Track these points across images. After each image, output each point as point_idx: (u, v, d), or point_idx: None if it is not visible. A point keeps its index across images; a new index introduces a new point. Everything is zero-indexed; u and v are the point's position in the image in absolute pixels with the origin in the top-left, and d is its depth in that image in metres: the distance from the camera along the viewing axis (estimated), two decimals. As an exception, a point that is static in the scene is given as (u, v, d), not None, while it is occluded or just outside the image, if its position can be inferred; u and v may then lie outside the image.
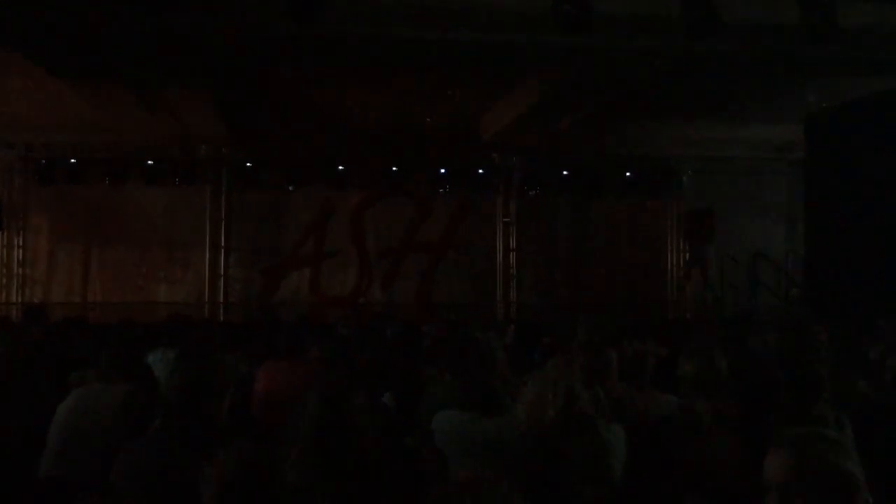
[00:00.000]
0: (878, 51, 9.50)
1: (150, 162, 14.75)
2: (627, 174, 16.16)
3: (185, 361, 4.32)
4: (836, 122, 11.77)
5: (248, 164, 15.16)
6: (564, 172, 15.97)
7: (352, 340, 5.54)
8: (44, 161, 14.77)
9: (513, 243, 16.24)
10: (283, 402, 4.27)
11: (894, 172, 10.40)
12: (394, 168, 15.47)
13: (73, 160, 14.68)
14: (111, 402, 3.52)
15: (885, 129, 10.57)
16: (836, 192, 11.65)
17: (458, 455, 3.03)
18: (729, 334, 7.24)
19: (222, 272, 15.43)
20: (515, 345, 7.60)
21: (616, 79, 11.07)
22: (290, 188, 15.38)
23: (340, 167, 15.22)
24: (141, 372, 4.51)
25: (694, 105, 13.07)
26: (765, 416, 3.07)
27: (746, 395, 3.16)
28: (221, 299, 15.33)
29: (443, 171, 15.65)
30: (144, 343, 5.79)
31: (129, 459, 3.05)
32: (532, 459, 2.76)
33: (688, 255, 16.64)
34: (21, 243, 15.14)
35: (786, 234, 16.45)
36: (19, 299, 14.85)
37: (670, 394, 4.32)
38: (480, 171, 15.83)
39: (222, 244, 15.46)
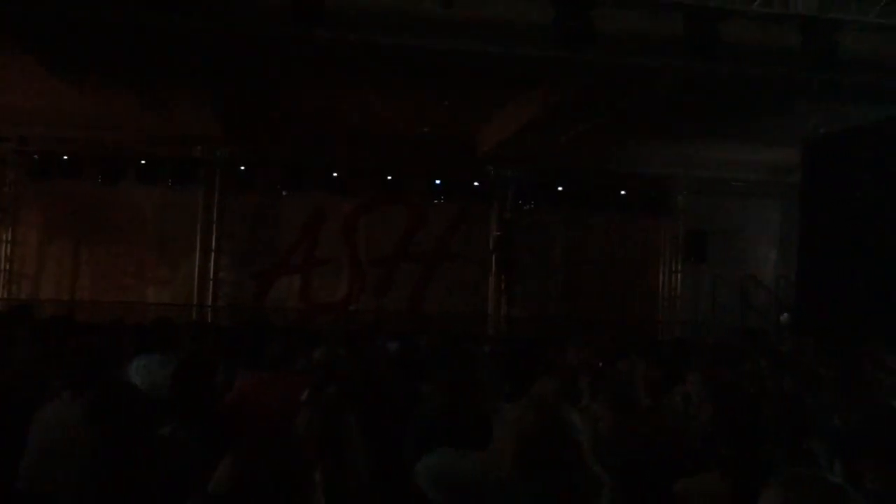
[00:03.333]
0: (878, 79, 9.52)
1: (143, 161, 14.66)
2: (623, 192, 16.15)
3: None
4: (833, 148, 11.78)
5: (242, 167, 15.09)
6: (560, 188, 15.95)
7: (344, 354, 5.46)
8: (37, 156, 14.67)
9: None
10: (267, 414, 4.21)
11: (889, 199, 10.41)
12: (389, 177, 15.43)
13: (66, 156, 14.58)
14: (78, 414, 3.42)
15: (883, 156, 10.58)
16: (831, 217, 11.64)
17: (443, 497, 2.93)
18: (720, 359, 7.21)
19: (212, 275, 15.34)
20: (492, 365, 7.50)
21: (615, 96, 11.06)
22: (284, 193, 15.32)
23: (335, 173, 15.16)
24: (109, 382, 4.36)
25: (692, 125, 13.07)
26: (757, 452, 3.01)
27: (738, 430, 3.10)
28: (210, 302, 15.24)
29: (438, 181, 15.61)
30: (114, 351, 5.68)
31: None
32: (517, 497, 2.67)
33: (680, 275, 16.67)
34: (10, 238, 15.04)
35: (778, 257, 16.48)
36: (6, 295, 14.73)
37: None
38: (476, 183, 15.79)
39: (213, 247, 15.37)
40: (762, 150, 14.64)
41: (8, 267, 14.99)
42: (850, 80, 9.40)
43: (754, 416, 3.24)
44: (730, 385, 4.89)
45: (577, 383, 4.67)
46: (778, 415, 3.73)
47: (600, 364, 6.23)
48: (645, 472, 3.38)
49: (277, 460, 2.01)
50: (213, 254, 15.38)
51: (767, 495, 2.16)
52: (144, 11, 7.35)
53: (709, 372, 5.22)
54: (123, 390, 3.39)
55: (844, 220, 11.25)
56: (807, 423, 3.86)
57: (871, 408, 3.68)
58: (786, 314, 14.68)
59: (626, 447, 3.86)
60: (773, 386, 5.26)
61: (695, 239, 15.93)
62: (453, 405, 3.52)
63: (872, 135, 10.99)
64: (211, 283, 15.34)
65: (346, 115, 13.42)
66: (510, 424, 2.79)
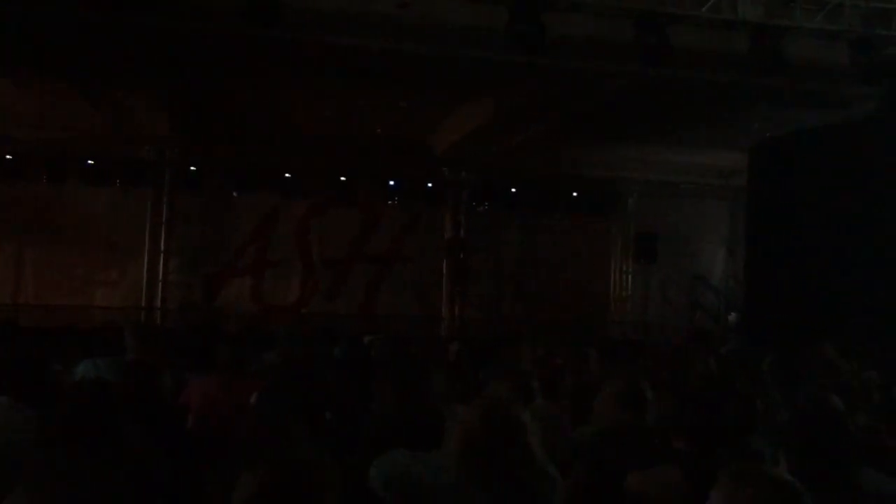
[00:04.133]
0: (821, 85, 9.77)
1: (90, 161, 14.35)
2: (574, 194, 16.31)
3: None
4: (779, 152, 12.02)
5: (193, 168, 14.87)
6: (513, 190, 16.05)
7: (296, 357, 5.42)
8: (-22, 156, 14.27)
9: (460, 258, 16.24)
10: (219, 418, 4.16)
11: (833, 202, 10.66)
12: (342, 178, 15.35)
13: (9, 156, 14.20)
14: (23, 424, 3.32)
15: (826, 160, 10.82)
16: (777, 219, 11.89)
17: (396, 499, 2.92)
18: (668, 359, 7.33)
19: (161, 277, 15.09)
20: (459, 363, 7.55)
21: (567, 99, 11.17)
22: (235, 194, 15.14)
23: (287, 174, 15.04)
24: (49, 391, 4.23)
25: (643, 129, 13.26)
26: (711, 449, 3.07)
27: (694, 426, 3.16)
28: (159, 304, 14.99)
29: (392, 182, 15.58)
30: (59, 355, 5.56)
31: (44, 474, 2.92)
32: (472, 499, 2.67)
33: (631, 275, 16.89)
34: (-50, 240, 14.59)
35: (726, 258, 16.79)
36: (-54, 298, 14.29)
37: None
38: (430, 184, 15.80)
39: (162, 248, 15.12)
40: (710, 154, 14.92)
41: (-52, 270, 14.54)
42: (795, 85, 9.63)
43: (715, 413, 3.30)
44: (689, 383, 4.96)
45: (531, 383, 4.69)
46: (728, 414, 3.79)
47: (553, 363, 6.27)
48: (590, 463, 3.42)
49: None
50: (162, 255, 15.11)
51: (715, 491, 2.20)
52: (91, 8, 7.20)
53: (657, 371, 5.29)
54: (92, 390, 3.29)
55: (790, 221, 11.48)
56: (755, 421, 3.94)
57: (808, 403, 3.78)
58: (733, 314, 14.97)
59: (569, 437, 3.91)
60: (723, 385, 5.35)
61: (645, 240, 16.15)
62: (405, 406, 3.51)
63: (816, 139, 11.25)
64: (160, 285, 15.08)
65: (298, 115, 13.32)
66: (458, 426, 2.80)
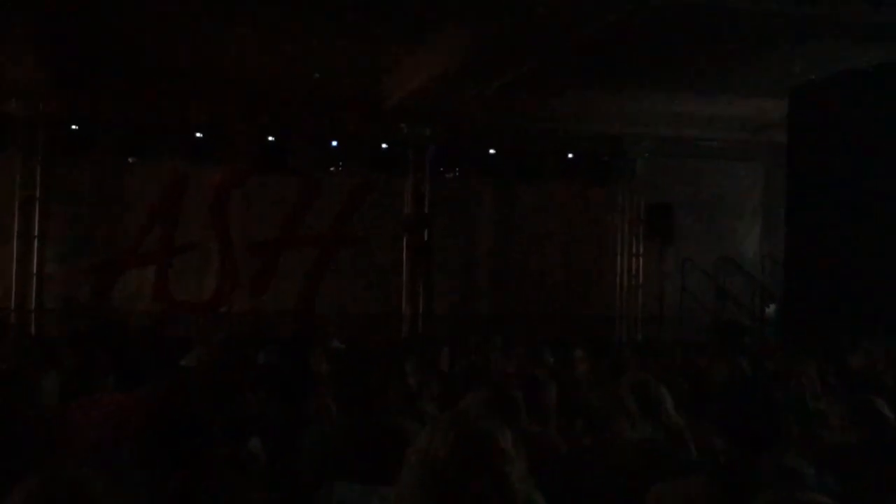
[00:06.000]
0: (876, 12, 9.88)
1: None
2: (569, 155, 16.39)
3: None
4: (826, 98, 12.12)
5: (75, 127, 14.73)
6: (490, 151, 16.09)
7: (208, 368, 5.43)
8: None
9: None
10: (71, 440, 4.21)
11: (894, 161, 10.78)
12: (270, 138, 15.29)
13: None
14: None
15: (884, 107, 10.92)
16: (824, 184, 12.00)
17: None
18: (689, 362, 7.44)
19: (35, 269, 14.96)
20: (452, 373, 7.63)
21: (558, 33, 11.19)
22: (131, 160, 15.04)
23: (198, 134, 14.96)
24: None
25: (654, 72, 13.31)
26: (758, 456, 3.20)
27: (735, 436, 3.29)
28: (34, 305, 14.86)
29: (335, 143, 15.55)
30: None
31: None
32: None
33: (641, 257, 17.03)
34: None
35: (761, 234, 16.99)
36: None
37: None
38: (384, 145, 15.80)
39: (36, 232, 14.98)
40: (740, 103, 15.03)
41: None
42: (844, 14, 9.74)
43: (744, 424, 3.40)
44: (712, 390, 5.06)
45: (513, 395, 4.75)
46: (758, 426, 3.90)
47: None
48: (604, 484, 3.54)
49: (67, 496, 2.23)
50: (36, 241, 14.99)
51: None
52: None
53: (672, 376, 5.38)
54: None
55: (840, 186, 11.59)
56: (789, 436, 4.05)
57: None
58: (772, 305, 15.17)
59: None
60: (756, 392, 5.45)
61: (658, 213, 16.27)
62: (356, 426, 3.55)
63: (871, 81, 11.34)
64: (35, 279, 14.96)
65: (213, 59, 13.20)
66: (420, 451, 2.82)
